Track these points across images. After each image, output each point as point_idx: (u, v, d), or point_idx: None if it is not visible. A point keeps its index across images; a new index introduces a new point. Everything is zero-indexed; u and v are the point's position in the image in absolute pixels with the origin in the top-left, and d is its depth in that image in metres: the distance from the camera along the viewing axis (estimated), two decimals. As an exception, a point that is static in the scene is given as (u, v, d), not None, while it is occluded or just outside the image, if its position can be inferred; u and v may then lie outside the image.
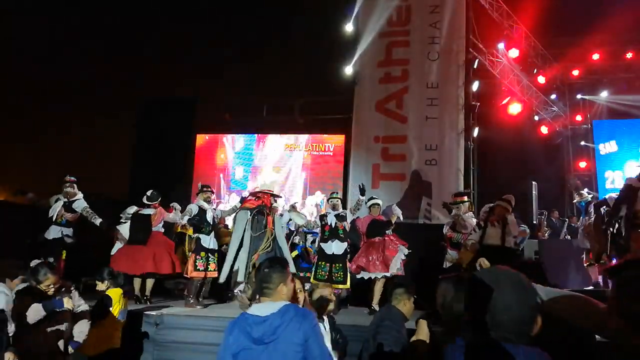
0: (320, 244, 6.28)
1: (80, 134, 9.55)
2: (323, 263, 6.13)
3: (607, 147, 10.92)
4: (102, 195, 7.23)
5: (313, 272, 6.17)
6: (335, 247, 6.15)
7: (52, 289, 3.43)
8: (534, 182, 9.19)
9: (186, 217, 6.37)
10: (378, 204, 6.57)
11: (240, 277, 5.37)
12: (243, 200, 6.06)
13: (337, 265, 6.09)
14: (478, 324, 1.36)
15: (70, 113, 9.44)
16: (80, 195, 6.65)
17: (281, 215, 6.28)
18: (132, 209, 6.65)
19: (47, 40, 9.16)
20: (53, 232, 6.45)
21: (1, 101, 8.26)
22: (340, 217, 6.28)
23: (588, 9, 9.74)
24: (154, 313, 5.32)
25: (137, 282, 6.39)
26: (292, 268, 5.37)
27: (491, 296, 1.34)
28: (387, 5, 10.20)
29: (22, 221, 8.57)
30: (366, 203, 6.62)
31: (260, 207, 5.66)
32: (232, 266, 5.45)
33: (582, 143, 11.04)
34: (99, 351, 3.95)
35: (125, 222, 6.53)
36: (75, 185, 6.64)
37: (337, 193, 6.71)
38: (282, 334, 2.08)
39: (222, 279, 5.58)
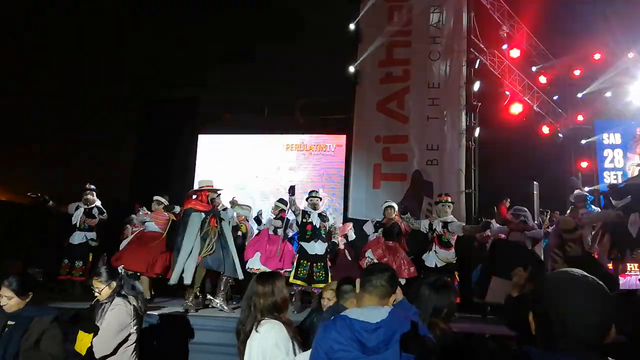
0: (302, 243, 6.16)
1: (80, 134, 9.55)
2: (304, 262, 5.99)
3: (611, 138, 10.89)
4: (102, 194, 7.25)
5: (293, 271, 6.01)
6: (318, 248, 6.08)
7: (97, 294, 3.37)
8: (535, 182, 9.17)
9: None
10: (392, 206, 6.67)
11: (188, 280, 5.40)
12: (186, 200, 5.91)
13: (319, 264, 6.01)
14: (546, 331, 1.28)
15: (69, 113, 9.44)
16: (98, 202, 7.05)
17: (224, 209, 6.02)
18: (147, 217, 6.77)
19: (47, 40, 9.16)
20: (77, 238, 6.82)
21: (1, 102, 8.29)
22: (323, 217, 6.23)
23: (589, 9, 9.73)
24: (154, 313, 5.30)
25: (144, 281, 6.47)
26: (237, 273, 5.48)
27: (562, 302, 1.25)
28: (389, 5, 10.21)
29: (24, 222, 8.58)
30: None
31: (212, 211, 5.68)
32: (183, 268, 5.45)
33: (583, 141, 11.00)
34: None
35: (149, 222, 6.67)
36: (94, 193, 7.04)
37: (317, 192, 6.53)
38: (396, 343, 1.87)
39: (172, 281, 5.55)
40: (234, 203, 6.37)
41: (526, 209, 6.81)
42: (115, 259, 6.21)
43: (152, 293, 6.51)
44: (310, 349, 2.07)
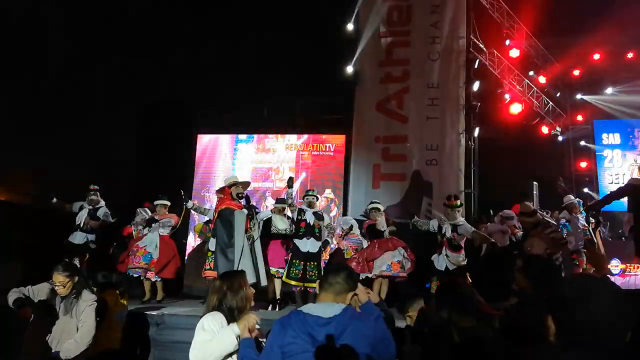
0: (295, 240, 6.08)
1: (80, 135, 9.53)
2: (297, 261, 5.91)
3: (610, 139, 10.89)
4: (102, 195, 7.24)
5: (286, 270, 5.97)
6: (311, 245, 6.00)
7: (60, 288, 3.49)
8: (534, 182, 9.18)
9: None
10: (376, 208, 6.53)
11: (252, 279, 5.22)
12: (219, 200, 5.90)
13: (312, 263, 5.93)
14: (570, 334, 1.29)
15: (70, 114, 9.43)
16: (102, 202, 6.97)
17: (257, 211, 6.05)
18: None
19: (46, 40, 9.15)
20: (79, 238, 6.77)
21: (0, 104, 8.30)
22: (318, 216, 6.19)
23: (589, 9, 9.73)
24: (154, 313, 5.32)
25: (147, 284, 6.55)
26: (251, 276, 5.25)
27: (589, 306, 1.26)
28: (388, 5, 10.21)
29: (23, 222, 8.58)
30: (367, 207, 6.64)
31: (250, 207, 5.67)
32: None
33: (582, 143, 11.02)
34: (98, 352, 3.93)
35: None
36: (98, 194, 6.97)
37: (313, 191, 6.55)
38: (347, 337, 1.92)
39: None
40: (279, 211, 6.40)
41: (513, 214, 6.79)
42: (158, 271, 6.38)
43: (150, 296, 6.56)
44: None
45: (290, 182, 6.04)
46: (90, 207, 6.90)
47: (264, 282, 5.58)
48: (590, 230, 6.85)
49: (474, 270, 6.33)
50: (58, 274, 3.48)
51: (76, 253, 6.62)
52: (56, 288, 3.50)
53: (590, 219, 7.02)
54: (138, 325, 4.98)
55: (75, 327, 3.52)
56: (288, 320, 2.01)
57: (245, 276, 2.70)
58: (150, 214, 7.15)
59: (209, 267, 6.17)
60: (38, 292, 3.63)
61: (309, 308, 2.04)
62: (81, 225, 6.79)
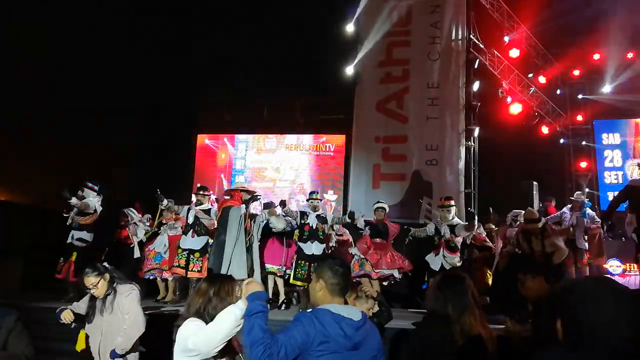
0: (299, 243, 6.20)
1: (80, 135, 9.54)
2: (302, 262, 6.03)
3: (610, 139, 10.89)
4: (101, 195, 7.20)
5: (292, 272, 6.07)
6: (315, 248, 6.10)
7: (95, 289, 3.36)
8: (534, 182, 9.17)
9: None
10: (382, 208, 6.58)
11: (243, 275, 5.29)
12: (222, 200, 6.07)
13: (316, 264, 5.97)
14: (575, 338, 1.26)
15: (70, 115, 9.43)
16: (91, 199, 6.67)
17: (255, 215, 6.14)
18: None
19: (46, 41, 9.16)
20: (69, 237, 6.65)
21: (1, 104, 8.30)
22: (321, 219, 6.26)
23: (589, 9, 9.73)
24: (154, 313, 5.32)
25: (161, 284, 6.62)
26: (235, 274, 5.36)
27: (592, 309, 1.23)
28: (388, 5, 10.22)
29: (23, 222, 8.61)
30: (373, 206, 6.72)
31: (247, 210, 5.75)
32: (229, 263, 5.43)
33: (584, 143, 11.01)
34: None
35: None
36: (84, 189, 6.70)
37: (316, 193, 6.59)
38: (368, 341, 2.02)
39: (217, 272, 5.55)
40: (272, 212, 6.27)
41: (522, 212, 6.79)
42: (170, 268, 6.33)
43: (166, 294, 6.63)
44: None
45: (283, 204, 6.37)
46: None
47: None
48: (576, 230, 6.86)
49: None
50: (88, 277, 3.35)
51: (63, 252, 6.54)
52: (92, 292, 3.38)
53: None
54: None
55: (124, 322, 3.42)
56: (317, 315, 1.95)
57: (235, 282, 2.48)
58: (137, 214, 7.16)
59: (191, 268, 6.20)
60: (84, 305, 3.49)
61: (336, 309, 1.99)
62: (69, 223, 6.62)
